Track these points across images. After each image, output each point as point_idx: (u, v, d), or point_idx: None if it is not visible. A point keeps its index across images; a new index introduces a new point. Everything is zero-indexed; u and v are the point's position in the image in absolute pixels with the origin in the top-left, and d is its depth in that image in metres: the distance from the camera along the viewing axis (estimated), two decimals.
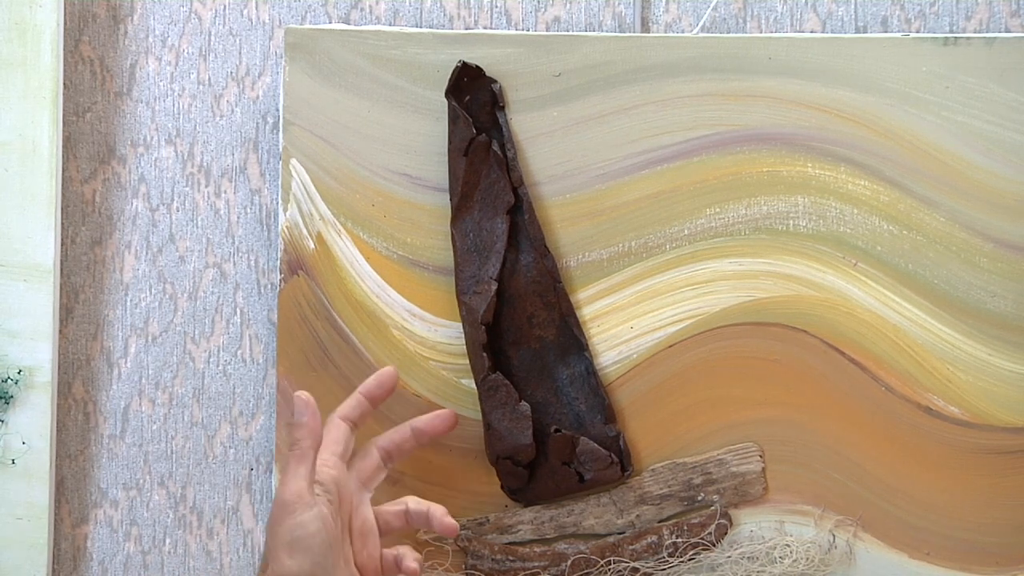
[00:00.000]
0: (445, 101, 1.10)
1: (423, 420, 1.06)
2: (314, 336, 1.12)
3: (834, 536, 1.10)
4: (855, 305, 1.10)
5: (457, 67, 1.10)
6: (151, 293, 1.16)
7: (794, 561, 1.09)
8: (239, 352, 1.16)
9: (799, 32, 1.13)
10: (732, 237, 1.11)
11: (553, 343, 1.11)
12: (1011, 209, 1.09)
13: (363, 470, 1.04)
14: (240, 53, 1.16)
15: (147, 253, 1.16)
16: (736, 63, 1.10)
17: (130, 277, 1.16)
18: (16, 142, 1.12)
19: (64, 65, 1.13)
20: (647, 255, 1.11)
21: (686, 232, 1.11)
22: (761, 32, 1.13)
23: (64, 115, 1.14)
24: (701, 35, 1.12)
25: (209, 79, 1.16)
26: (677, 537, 1.10)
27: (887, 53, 1.09)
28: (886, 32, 1.13)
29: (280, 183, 1.12)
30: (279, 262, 1.12)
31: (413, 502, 1.03)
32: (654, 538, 1.10)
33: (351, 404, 1.04)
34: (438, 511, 1.02)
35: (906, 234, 1.09)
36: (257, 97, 1.16)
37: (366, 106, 1.12)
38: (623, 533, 1.10)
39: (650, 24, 1.14)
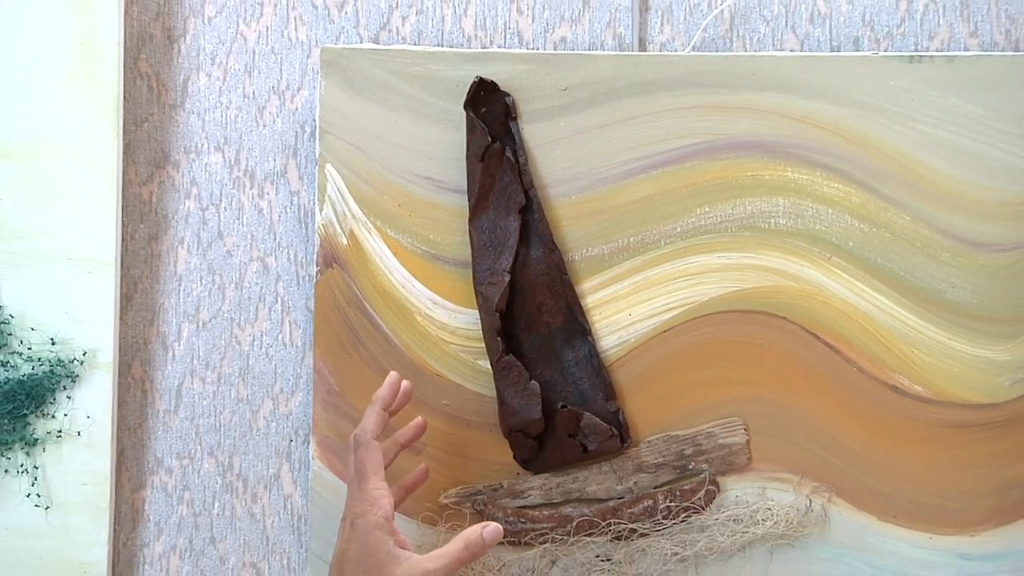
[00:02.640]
0: (464, 113, 1.10)
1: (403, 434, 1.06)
2: (347, 322, 1.11)
3: (810, 501, 1.09)
4: (829, 295, 1.10)
5: (474, 82, 1.10)
6: (201, 284, 1.16)
7: (775, 523, 1.09)
8: (280, 336, 1.15)
9: (780, 51, 1.13)
10: (720, 234, 1.10)
11: (560, 328, 1.11)
12: (969, 209, 1.09)
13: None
14: (281, 70, 1.15)
15: (198, 248, 1.16)
16: (723, 79, 1.10)
17: (183, 269, 1.16)
18: (81, 149, 1.12)
19: (124, 80, 1.13)
20: (644, 250, 1.11)
21: (679, 230, 1.11)
22: (746, 51, 1.13)
23: (124, 125, 1.14)
24: (692, 54, 1.11)
25: (253, 93, 1.15)
26: (670, 501, 1.10)
27: (858, 70, 1.09)
28: (858, 51, 1.13)
29: (317, 186, 1.12)
30: (316, 256, 1.12)
31: (468, 536, 0.99)
32: (650, 502, 1.10)
33: (377, 422, 1.02)
34: (485, 530, 1.00)
35: (875, 231, 1.09)
36: (296, 109, 1.15)
37: (393, 117, 1.11)
38: (622, 498, 1.10)
39: (647, 44, 1.14)
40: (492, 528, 0.99)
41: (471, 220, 1.10)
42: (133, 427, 1.16)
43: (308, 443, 1.14)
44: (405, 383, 1.05)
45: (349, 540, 0.97)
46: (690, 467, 1.10)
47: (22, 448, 1.12)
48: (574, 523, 1.10)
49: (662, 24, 1.14)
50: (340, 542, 0.98)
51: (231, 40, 1.16)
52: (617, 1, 1.14)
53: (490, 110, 1.10)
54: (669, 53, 1.13)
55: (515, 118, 1.11)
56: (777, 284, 1.10)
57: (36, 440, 1.12)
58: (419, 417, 1.08)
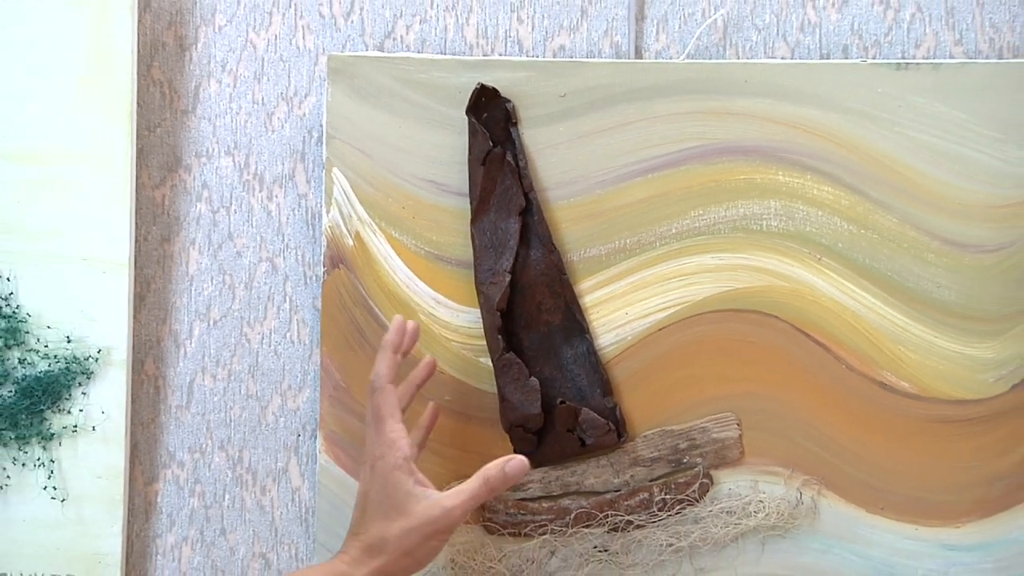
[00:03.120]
0: (466, 118, 1.11)
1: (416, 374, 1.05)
2: (353, 321, 1.12)
3: (801, 493, 1.10)
4: (820, 294, 1.10)
5: (476, 89, 1.10)
6: (212, 283, 1.16)
7: (766, 515, 1.09)
8: (288, 334, 1.16)
9: (771, 59, 1.13)
10: (713, 236, 1.10)
11: (559, 327, 1.11)
12: (955, 212, 1.09)
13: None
14: (289, 77, 1.15)
15: (209, 249, 1.16)
16: (717, 85, 1.10)
17: (194, 269, 1.16)
18: (96, 153, 1.12)
19: (137, 86, 1.13)
20: (640, 251, 1.11)
21: (673, 231, 1.11)
22: (738, 58, 1.13)
23: (137, 130, 1.13)
24: (687, 61, 1.12)
25: (262, 99, 1.16)
26: (666, 494, 1.10)
27: (847, 77, 1.09)
28: (846, 59, 1.12)
29: (324, 189, 1.12)
30: (323, 257, 1.12)
31: (487, 472, 0.99)
32: (646, 495, 1.10)
33: (390, 366, 1.01)
34: (508, 464, 0.98)
35: (864, 233, 1.09)
36: (304, 115, 1.15)
37: (398, 122, 1.11)
38: (619, 491, 1.10)
39: (643, 51, 1.14)
40: (516, 462, 0.98)
41: (473, 222, 1.11)
42: (146, 422, 1.16)
43: (315, 438, 1.14)
44: (411, 323, 1.04)
45: (370, 482, 0.98)
46: (684, 461, 1.10)
47: (39, 442, 1.13)
48: (572, 515, 1.10)
49: (657, 32, 1.14)
50: (362, 484, 0.99)
51: (241, 48, 1.16)
52: (614, 10, 1.14)
53: (491, 116, 1.10)
54: (664, 61, 1.13)
55: (515, 123, 1.11)
56: (769, 284, 1.10)
57: (52, 435, 1.13)
58: (428, 355, 1.07)
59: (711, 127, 1.10)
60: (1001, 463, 1.08)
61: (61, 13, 1.12)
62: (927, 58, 1.13)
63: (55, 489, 1.12)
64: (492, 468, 0.98)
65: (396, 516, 0.96)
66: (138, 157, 1.15)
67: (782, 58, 1.13)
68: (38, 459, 1.12)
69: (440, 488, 1.01)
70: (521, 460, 0.98)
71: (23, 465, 1.12)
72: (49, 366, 1.12)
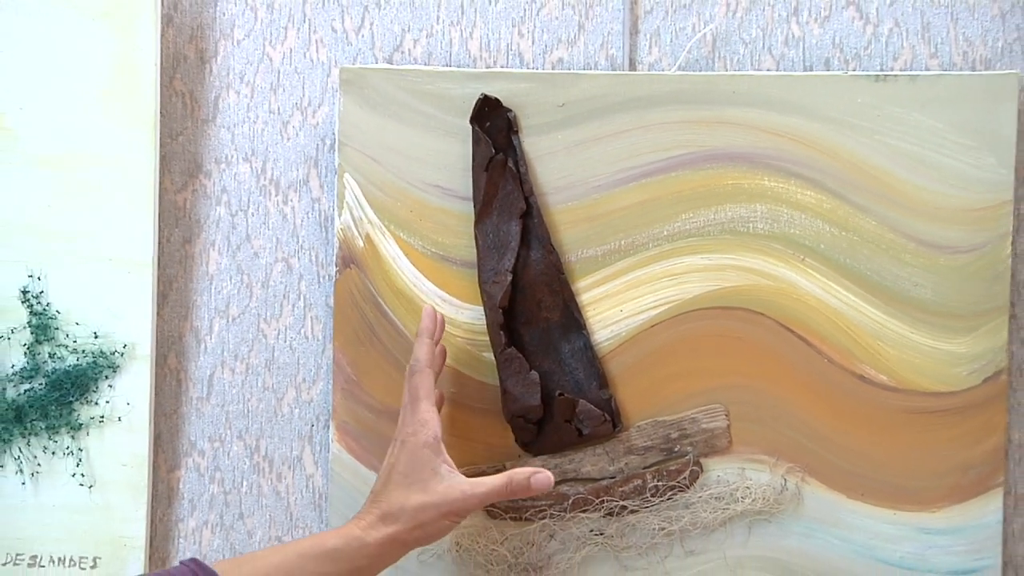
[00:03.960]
0: (470, 127, 1.11)
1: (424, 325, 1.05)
2: (363, 318, 1.12)
3: (785, 480, 1.10)
4: (803, 293, 1.10)
5: (479, 99, 1.10)
6: (231, 282, 1.16)
7: (753, 500, 1.10)
8: (302, 330, 1.16)
9: (758, 71, 1.13)
10: (703, 237, 1.11)
11: (557, 323, 1.11)
12: (930, 215, 1.09)
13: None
14: (303, 87, 1.15)
15: (228, 250, 1.16)
16: (706, 96, 1.10)
17: (214, 269, 1.16)
18: (122, 160, 1.13)
19: (160, 97, 1.13)
20: (634, 252, 1.11)
21: (665, 233, 1.11)
22: (727, 71, 1.13)
23: (160, 138, 1.14)
24: (678, 73, 1.12)
25: (278, 109, 1.16)
26: (658, 481, 1.10)
27: (829, 88, 1.09)
28: (828, 71, 1.13)
29: (336, 193, 1.12)
30: (335, 258, 1.13)
31: (513, 475, 1.00)
32: (639, 482, 1.10)
33: (428, 352, 1.02)
34: (534, 476, 1.00)
35: (844, 235, 1.10)
36: (317, 123, 1.15)
37: (405, 131, 1.12)
38: (614, 478, 1.11)
39: (636, 64, 1.14)
40: (543, 476, 1.00)
41: (476, 224, 1.11)
42: (169, 413, 1.16)
43: (328, 428, 1.14)
44: (440, 314, 1.07)
45: (399, 456, 0.99)
46: (676, 449, 1.11)
47: (68, 432, 1.13)
48: (570, 500, 1.10)
49: (650, 46, 1.14)
50: (389, 458, 1.00)
51: (258, 61, 1.16)
52: (609, 25, 1.14)
53: (494, 124, 1.11)
54: (657, 73, 1.13)
55: (516, 132, 1.11)
56: (755, 283, 1.11)
57: (81, 425, 1.13)
58: (440, 344, 1.08)
59: (701, 135, 1.10)
60: (974, 452, 1.09)
61: (89, 29, 1.12)
62: (904, 70, 1.13)
63: (83, 476, 1.13)
64: (520, 474, 1.00)
65: (418, 490, 0.97)
66: (161, 163, 1.15)
67: (768, 70, 1.13)
68: (67, 448, 1.13)
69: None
70: (547, 476, 1.00)
71: (53, 453, 1.13)
72: (77, 360, 1.13)
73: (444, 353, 1.09)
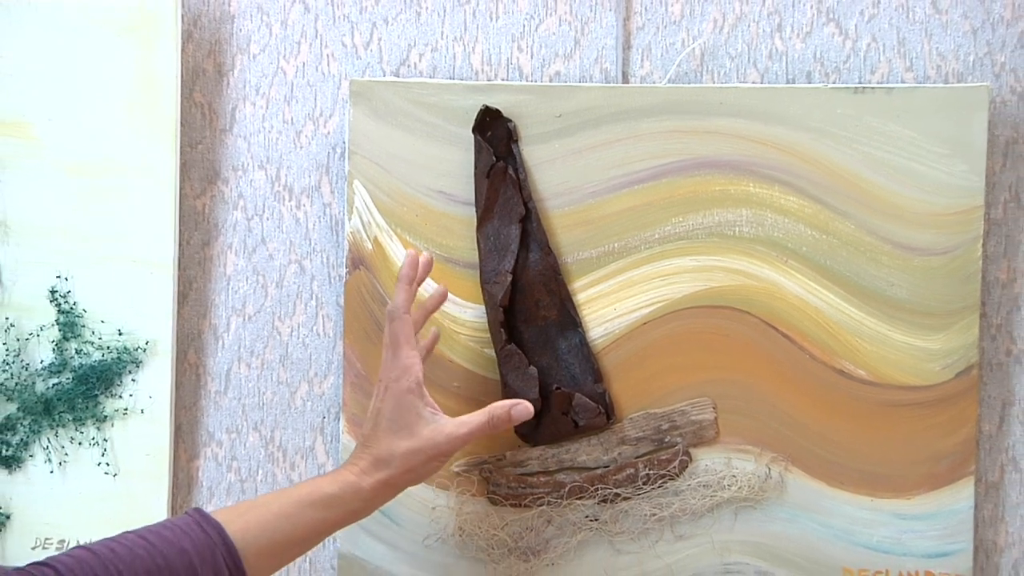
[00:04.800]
0: (472, 136, 1.12)
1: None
2: (372, 316, 1.13)
3: (769, 469, 1.11)
4: (786, 292, 1.11)
5: (481, 110, 1.11)
6: (247, 283, 1.17)
7: (739, 488, 1.10)
8: (314, 328, 1.16)
9: (743, 83, 1.14)
10: (692, 240, 1.11)
11: (555, 321, 1.12)
12: (905, 219, 1.10)
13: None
14: (315, 99, 1.16)
15: (244, 252, 1.17)
16: (695, 107, 1.11)
17: (231, 270, 1.17)
18: (144, 167, 1.14)
19: (181, 108, 1.14)
20: (627, 254, 1.12)
21: (656, 236, 1.12)
22: (714, 83, 1.14)
23: (180, 147, 1.14)
24: (668, 85, 1.13)
25: (292, 119, 1.17)
26: (649, 470, 1.11)
27: (811, 99, 1.10)
28: (810, 83, 1.13)
29: (346, 199, 1.13)
30: (345, 259, 1.13)
31: (493, 409, 0.99)
32: (632, 470, 1.11)
33: (406, 298, 1.00)
34: (514, 407, 0.99)
35: (825, 238, 1.11)
36: (328, 133, 1.16)
37: (411, 140, 1.12)
38: (608, 467, 1.11)
39: (629, 77, 1.15)
40: (522, 406, 0.99)
41: (478, 228, 1.12)
42: (188, 406, 1.17)
43: (339, 420, 1.15)
44: (424, 255, 1.03)
45: (384, 400, 0.98)
46: (666, 440, 1.11)
47: (94, 424, 1.14)
48: (567, 488, 1.11)
49: (642, 60, 1.15)
50: (375, 401, 0.99)
51: (273, 74, 1.17)
52: (603, 41, 1.15)
53: (495, 134, 1.12)
54: (648, 85, 1.13)
55: (516, 141, 1.12)
56: (741, 283, 1.11)
57: (105, 417, 1.14)
58: (440, 285, 1.06)
59: (690, 144, 1.11)
60: (946, 442, 1.10)
61: (114, 44, 1.13)
62: (881, 83, 1.13)
63: (108, 465, 1.14)
64: (499, 407, 0.99)
65: (405, 435, 0.96)
66: (181, 170, 1.15)
67: (753, 83, 1.14)
68: (93, 439, 1.14)
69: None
70: (527, 405, 0.99)
71: (79, 444, 1.14)
72: (103, 356, 1.14)
73: (444, 295, 1.06)
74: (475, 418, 0.98)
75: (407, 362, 0.98)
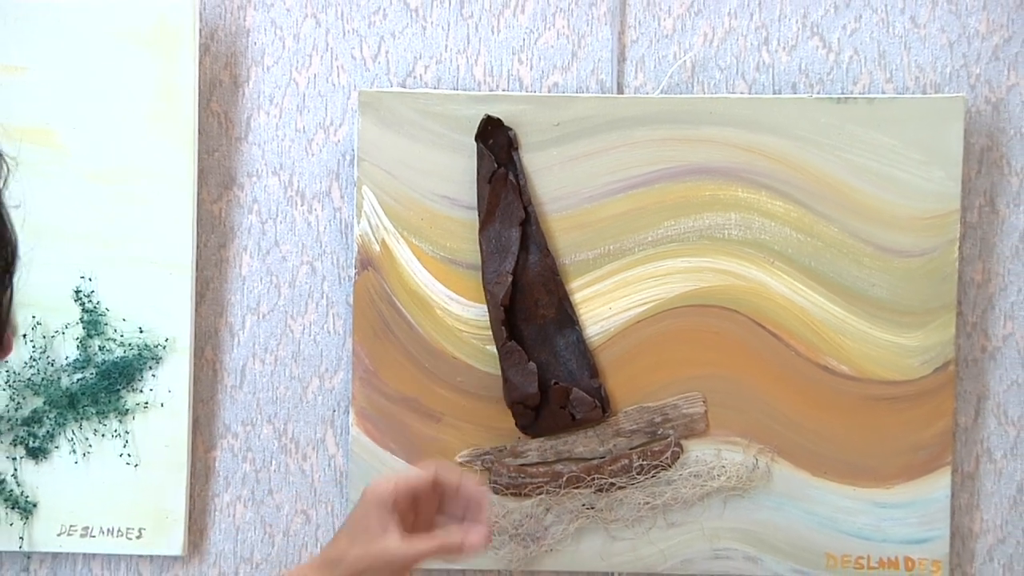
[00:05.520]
0: (474, 144, 1.13)
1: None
2: (380, 315, 1.14)
3: (757, 460, 1.12)
4: (773, 292, 1.13)
5: (483, 119, 1.12)
6: (261, 283, 1.18)
7: (728, 478, 1.12)
8: (325, 326, 1.17)
9: (732, 93, 1.15)
10: (683, 243, 1.13)
11: (553, 319, 1.13)
12: (886, 223, 1.12)
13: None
14: (326, 109, 1.17)
15: (258, 254, 1.18)
16: (687, 116, 1.12)
17: (246, 271, 1.18)
18: (163, 173, 1.15)
19: (198, 118, 1.15)
20: (621, 255, 1.13)
21: (650, 239, 1.13)
22: (705, 94, 1.15)
23: (198, 154, 1.15)
24: (661, 96, 1.14)
25: (304, 128, 1.17)
26: (643, 460, 1.12)
27: (796, 109, 1.12)
28: (795, 94, 1.15)
29: (355, 203, 1.14)
30: (354, 261, 1.14)
31: (443, 540, 0.90)
32: (626, 461, 1.13)
33: (408, 479, 0.91)
34: (467, 537, 0.90)
35: (810, 241, 1.12)
36: (339, 141, 1.17)
37: (417, 147, 1.13)
38: (604, 458, 1.13)
39: (624, 88, 1.16)
40: (475, 538, 0.90)
41: (481, 231, 1.13)
42: (206, 399, 1.18)
43: (348, 413, 1.16)
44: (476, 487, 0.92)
45: (356, 508, 0.91)
46: (659, 432, 1.13)
47: (116, 417, 1.16)
48: (564, 478, 1.13)
49: (636, 72, 1.16)
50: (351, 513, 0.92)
51: (286, 85, 1.18)
52: (599, 53, 1.16)
53: (496, 142, 1.13)
54: (642, 96, 1.15)
55: (516, 148, 1.13)
56: (730, 283, 1.13)
57: (127, 410, 1.16)
58: (481, 487, 0.95)
59: (681, 152, 1.13)
60: (924, 434, 1.12)
61: (135, 56, 1.14)
62: (863, 93, 1.15)
63: (129, 456, 1.16)
64: (450, 536, 0.90)
65: (361, 542, 0.89)
66: (199, 176, 1.16)
67: (741, 94, 1.15)
68: (115, 431, 1.16)
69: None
70: (481, 537, 0.90)
71: (102, 436, 1.16)
72: (124, 352, 1.16)
73: (488, 537, 0.92)
74: (426, 543, 0.90)
75: (387, 485, 0.90)
